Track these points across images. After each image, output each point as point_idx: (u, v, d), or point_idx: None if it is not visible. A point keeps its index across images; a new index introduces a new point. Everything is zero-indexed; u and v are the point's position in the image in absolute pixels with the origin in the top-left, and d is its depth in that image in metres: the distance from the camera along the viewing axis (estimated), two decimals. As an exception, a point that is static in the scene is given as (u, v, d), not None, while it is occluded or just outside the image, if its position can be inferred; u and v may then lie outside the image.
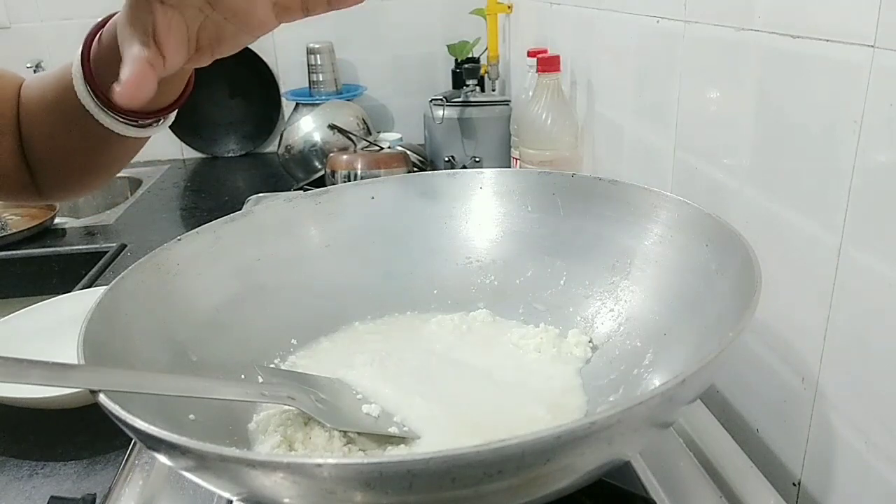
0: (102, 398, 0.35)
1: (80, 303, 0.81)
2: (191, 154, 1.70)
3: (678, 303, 0.52)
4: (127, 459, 0.56)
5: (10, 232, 1.19)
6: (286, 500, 0.33)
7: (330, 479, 0.31)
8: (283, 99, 1.65)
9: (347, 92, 1.60)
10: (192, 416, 0.46)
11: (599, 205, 0.60)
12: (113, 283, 0.48)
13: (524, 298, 0.62)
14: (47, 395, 0.66)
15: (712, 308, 0.47)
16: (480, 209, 0.65)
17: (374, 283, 0.64)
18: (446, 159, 1.28)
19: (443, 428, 0.49)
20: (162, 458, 0.36)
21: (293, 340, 0.59)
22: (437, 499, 0.33)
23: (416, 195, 0.66)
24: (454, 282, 0.64)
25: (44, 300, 0.83)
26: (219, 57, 0.46)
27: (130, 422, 0.34)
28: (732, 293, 0.44)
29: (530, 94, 1.04)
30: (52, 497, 0.54)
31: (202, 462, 0.33)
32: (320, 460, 0.30)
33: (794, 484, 0.56)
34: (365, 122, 1.35)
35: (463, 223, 0.66)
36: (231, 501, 0.49)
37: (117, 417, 0.34)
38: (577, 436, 0.32)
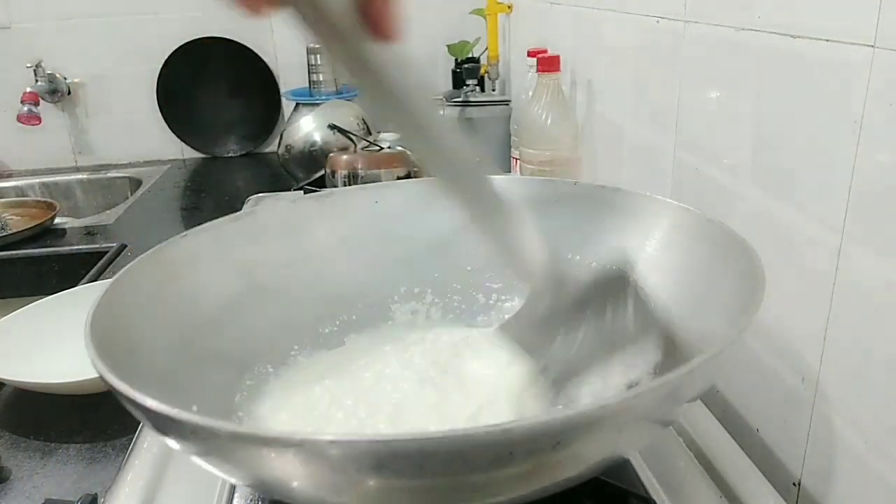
0: (112, 379, 0.35)
1: (80, 300, 0.81)
2: (191, 154, 1.70)
3: (681, 308, 0.52)
4: (127, 459, 0.56)
5: (10, 232, 1.19)
6: (293, 483, 0.33)
7: (341, 458, 0.31)
8: (283, 99, 1.65)
9: (347, 92, 1.60)
10: (195, 408, 0.46)
11: (602, 212, 0.60)
12: (119, 273, 0.48)
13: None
14: (58, 382, 0.67)
15: (715, 313, 0.47)
16: (483, 215, 0.65)
17: (376, 286, 0.64)
18: (446, 159, 1.28)
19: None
20: (170, 441, 0.36)
21: (294, 345, 0.59)
22: (447, 484, 0.33)
23: (420, 200, 0.66)
24: (457, 287, 0.64)
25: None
26: None
27: (141, 401, 0.34)
28: (735, 298, 0.44)
29: (530, 94, 1.04)
30: (46, 500, 0.54)
31: (212, 440, 0.33)
32: (333, 437, 0.30)
33: (794, 484, 0.56)
34: (365, 122, 1.35)
35: (465, 229, 0.65)
36: (233, 499, 0.49)
37: (127, 398, 0.34)
38: (588, 419, 0.32)
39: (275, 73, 1.65)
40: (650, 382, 0.34)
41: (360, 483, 0.32)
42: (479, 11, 1.44)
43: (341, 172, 1.13)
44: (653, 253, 0.56)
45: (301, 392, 0.54)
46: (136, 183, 1.55)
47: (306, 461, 0.32)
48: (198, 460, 0.36)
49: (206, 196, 1.46)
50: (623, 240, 0.58)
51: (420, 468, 0.31)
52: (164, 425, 0.34)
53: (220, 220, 0.59)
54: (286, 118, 1.62)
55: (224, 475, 0.38)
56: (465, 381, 0.56)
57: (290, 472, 0.32)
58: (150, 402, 0.33)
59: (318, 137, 1.29)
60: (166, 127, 1.66)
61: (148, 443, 0.57)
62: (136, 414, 0.35)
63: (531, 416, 0.30)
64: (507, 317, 0.62)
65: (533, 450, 0.32)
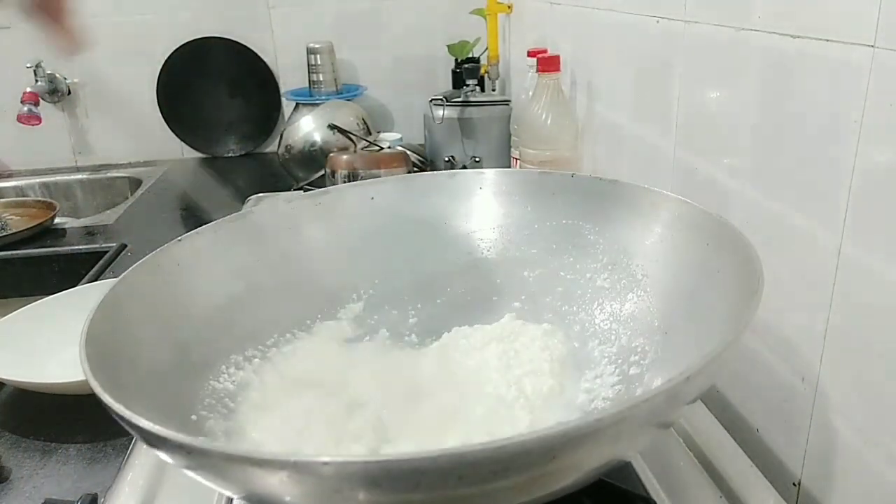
0: (106, 397, 0.35)
1: (80, 300, 0.81)
2: (191, 154, 1.70)
3: (679, 302, 0.52)
4: (127, 459, 0.56)
5: (10, 232, 1.19)
6: (287, 499, 0.33)
7: (336, 478, 0.31)
8: (283, 99, 1.65)
9: (347, 92, 1.60)
10: (193, 417, 0.46)
11: (600, 205, 0.60)
12: (114, 282, 0.48)
13: (525, 298, 0.62)
14: (58, 382, 0.67)
15: (713, 307, 0.47)
16: (480, 210, 0.65)
17: (374, 283, 0.64)
18: (446, 159, 1.28)
19: (425, 431, 0.49)
20: (164, 457, 0.36)
21: (294, 347, 0.59)
22: (443, 498, 0.33)
23: (417, 196, 0.66)
24: (455, 282, 0.64)
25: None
26: None
27: (135, 421, 0.34)
28: (734, 292, 0.44)
29: (530, 94, 1.04)
30: (46, 500, 0.53)
31: (205, 459, 0.33)
32: (327, 458, 0.30)
33: (794, 484, 0.56)
34: (365, 122, 1.35)
35: (463, 224, 0.66)
36: (232, 501, 0.49)
37: (121, 417, 0.34)
38: (583, 433, 0.32)
39: (275, 73, 1.64)
40: (646, 392, 0.34)
41: (354, 500, 0.32)
42: (479, 11, 1.44)
43: (341, 172, 1.13)
44: (651, 246, 0.56)
45: (300, 397, 0.54)
46: (136, 183, 1.55)
47: (300, 481, 0.32)
48: (191, 475, 0.36)
49: (206, 196, 1.46)
50: (621, 232, 0.58)
51: (415, 486, 0.31)
52: (158, 444, 0.34)
53: (216, 222, 0.59)
54: (286, 118, 1.62)
55: (218, 489, 0.38)
56: (467, 381, 0.56)
57: (284, 490, 0.32)
58: (144, 423, 0.33)
59: (318, 137, 1.29)
60: (166, 127, 1.66)
61: (148, 443, 0.56)
62: (131, 431, 0.35)
63: (526, 433, 0.30)
64: (507, 314, 0.62)
65: (529, 463, 0.32)
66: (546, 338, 0.58)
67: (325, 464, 0.30)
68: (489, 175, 0.66)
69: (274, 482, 0.32)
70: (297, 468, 0.31)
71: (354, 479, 0.31)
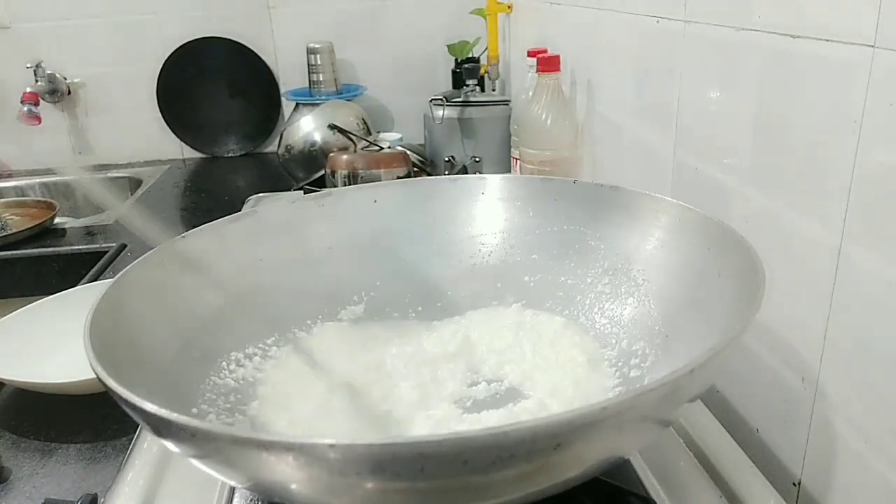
0: (111, 383, 0.35)
1: (80, 300, 0.81)
2: (191, 154, 1.70)
3: (680, 306, 0.52)
4: (127, 459, 0.56)
5: (10, 232, 1.19)
6: (293, 486, 0.33)
7: (341, 461, 0.31)
8: (283, 99, 1.65)
9: (347, 92, 1.60)
10: (194, 410, 0.46)
11: (601, 210, 0.60)
12: (118, 276, 0.48)
13: (525, 303, 0.62)
14: (58, 382, 0.67)
15: (714, 310, 0.47)
16: (482, 214, 0.66)
17: (376, 285, 0.64)
18: (446, 159, 1.28)
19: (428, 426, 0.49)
20: (170, 444, 0.36)
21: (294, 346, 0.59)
22: (447, 486, 0.33)
23: (419, 199, 0.66)
24: (456, 286, 0.64)
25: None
26: None
27: (140, 405, 0.34)
28: (735, 296, 0.45)
29: (530, 94, 1.04)
30: (46, 500, 0.53)
31: (210, 444, 0.33)
32: (332, 441, 0.30)
33: (794, 484, 0.56)
34: (365, 122, 1.35)
35: (465, 228, 0.66)
36: (233, 495, 0.49)
37: (126, 402, 0.34)
38: (588, 420, 0.32)
39: (275, 73, 1.64)
40: (650, 383, 0.34)
41: (359, 485, 0.32)
42: (479, 11, 1.44)
43: (341, 172, 1.13)
44: (652, 251, 0.56)
45: (302, 393, 0.54)
46: (136, 183, 1.55)
47: (306, 464, 0.32)
48: (196, 463, 0.36)
49: (206, 196, 1.46)
50: (622, 238, 0.58)
51: (420, 471, 0.31)
52: (164, 429, 0.34)
53: (219, 220, 0.59)
54: (286, 118, 1.62)
55: (223, 478, 0.38)
56: (474, 378, 0.56)
57: (289, 475, 0.32)
58: (149, 406, 0.33)
59: (318, 137, 1.29)
60: (166, 127, 1.66)
61: (148, 443, 0.57)
62: (135, 417, 0.35)
63: (532, 419, 0.30)
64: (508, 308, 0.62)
65: (533, 451, 0.32)
66: (544, 340, 0.58)
67: (331, 446, 0.30)
68: (491, 180, 0.66)
69: (279, 466, 0.32)
70: (303, 451, 0.31)
71: (359, 462, 0.31)
